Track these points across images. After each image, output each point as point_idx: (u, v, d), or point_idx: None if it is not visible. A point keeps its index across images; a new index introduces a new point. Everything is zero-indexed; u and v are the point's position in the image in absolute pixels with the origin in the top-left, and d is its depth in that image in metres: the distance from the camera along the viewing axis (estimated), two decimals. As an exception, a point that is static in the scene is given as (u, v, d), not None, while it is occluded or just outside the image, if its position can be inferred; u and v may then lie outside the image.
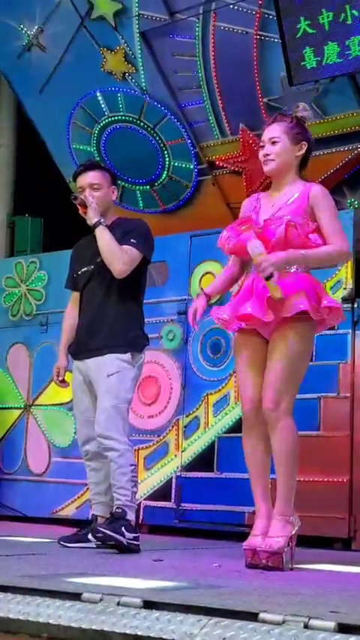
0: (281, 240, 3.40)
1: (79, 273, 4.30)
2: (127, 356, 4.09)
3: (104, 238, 4.10)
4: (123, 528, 3.84)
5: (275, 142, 3.59)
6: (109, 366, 4.07)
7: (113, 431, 3.99)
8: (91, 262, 4.22)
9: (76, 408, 4.31)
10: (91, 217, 4.15)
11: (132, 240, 4.12)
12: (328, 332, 4.61)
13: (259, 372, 3.47)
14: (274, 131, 3.60)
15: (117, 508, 3.93)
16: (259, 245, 3.37)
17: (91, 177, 4.25)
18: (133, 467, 4.01)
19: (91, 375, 4.14)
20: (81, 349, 4.22)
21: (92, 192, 4.21)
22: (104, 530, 3.81)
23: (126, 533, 3.83)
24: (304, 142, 3.60)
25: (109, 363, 4.07)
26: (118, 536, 3.79)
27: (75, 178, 4.34)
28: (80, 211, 4.22)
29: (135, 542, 3.87)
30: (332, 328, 4.63)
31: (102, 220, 4.13)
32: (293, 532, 3.38)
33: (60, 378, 4.39)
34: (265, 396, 3.41)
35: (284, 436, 3.39)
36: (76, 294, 4.37)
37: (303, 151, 3.60)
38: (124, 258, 4.10)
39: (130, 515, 3.92)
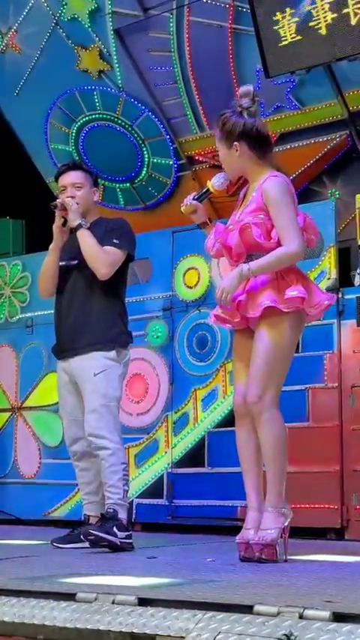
0: (240, 245, 3.47)
1: (61, 264, 4.26)
2: (113, 353, 4.08)
3: (86, 242, 4.08)
4: (115, 528, 3.83)
5: (219, 151, 3.63)
6: (94, 364, 4.05)
7: (104, 430, 3.99)
8: (76, 257, 4.19)
9: (62, 409, 4.29)
10: (72, 220, 4.12)
11: (114, 241, 4.11)
12: (313, 323, 4.62)
13: (249, 366, 3.49)
14: (216, 141, 3.64)
15: (108, 508, 3.92)
16: (220, 180, 3.65)
17: (73, 176, 4.23)
18: (125, 465, 4.01)
19: (77, 375, 4.12)
20: (64, 348, 4.20)
21: (75, 190, 4.20)
22: (95, 533, 3.79)
23: (118, 533, 3.82)
24: (236, 143, 3.52)
25: (94, 361, 4.05)
26: (110, 537, 3.78)
27: (57, 178, 4.31)
28: (62, 215, 4.17)
29: (127, 541, 3.87)
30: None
31: (83, 223, 4.10)
32: (286, 523, 3.38)
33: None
34: (248, 390, 3.45)
35: (270, 428, 3.40)
36: None
37: (240, 150, 3.53)
38: (107, 261, 4.09)
39: (122, 514, 3.92)
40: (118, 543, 3.80)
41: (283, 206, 3.45)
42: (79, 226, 4.09)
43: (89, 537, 3.80)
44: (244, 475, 3.52)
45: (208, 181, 3.72)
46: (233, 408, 3.61)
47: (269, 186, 3.48)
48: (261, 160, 3.56)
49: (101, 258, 4.07)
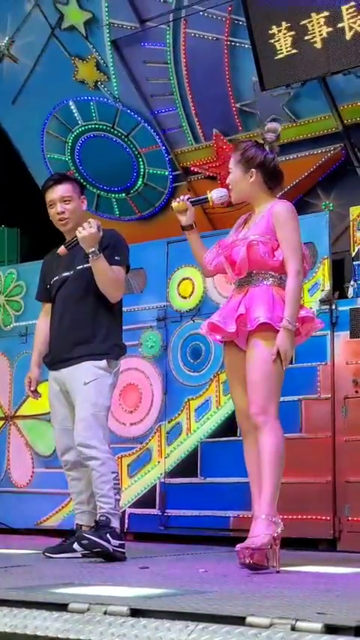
0: (244, 260, 3.62)
1: (52, 282, 4.28)
2: (103, 363, 4.08)
3: (102, 269, 4.05)
4: (108, 535, 3.82)
5: (229, 173, 3.77)
6: (85, 373, 4.05)
7: (93, 439, 3.98)
8: (69, 269, 4.19)
9: (54, 418, 4.28)
10: (86, 248, 4.03)
11: (116, 258, 4.12)
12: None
13: (243, 382, 3.61)
14: (230, 162, 3.78)
15: (101, 516, 3.91)
16: (221, 194, 3.78)
17: (61, 190, 4.24)
18: (116, 474, 4.00)
19: (68, 384, 4.12)
20: (57, 359, 4.20)
21: (64, 205, 4.21)
22: (90, 537, 3.79)
23: (112, 540, 3.81)
24: (253, 170, 3.68)
25: (85, 370, 4.05)
26: (104, 543, 3.77)
27: (44, 192, 4.29)
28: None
29: (121, 550, 3.86)
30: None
31: (94, 250, 4.01)
32: (278, 531, 3.40)
33: (32, 389, 4.37)
34: (250, 404, 3.55)
35: (270, 437, 3.49)
36: (47, 306, 4.35)
37: (254, 177, 3.69)
38: (119, 284, 4.14)
39: (115, 523, 3.91)
40: (111, 550, 3.80)
41: (290, 231, 3.63)
42: (93, 254, 4.01)
43: (83, 542, 3.80)
44: (250, 485, 3.64)
45: (209, 191, 3.84)
46: (238, 426, 3.79)
47: (280, 209, 3.67)
48: (270, 191, 3.75)
49: (115, 284, 4.11)
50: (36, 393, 4.38)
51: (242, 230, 3.77)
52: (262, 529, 3.38)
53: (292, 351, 3.56)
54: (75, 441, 4.02)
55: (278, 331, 3.51)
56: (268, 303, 3.55)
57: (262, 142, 3.75)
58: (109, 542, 3.80)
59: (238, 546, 3.42)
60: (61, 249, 4.12)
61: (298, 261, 3.59)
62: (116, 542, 3.83)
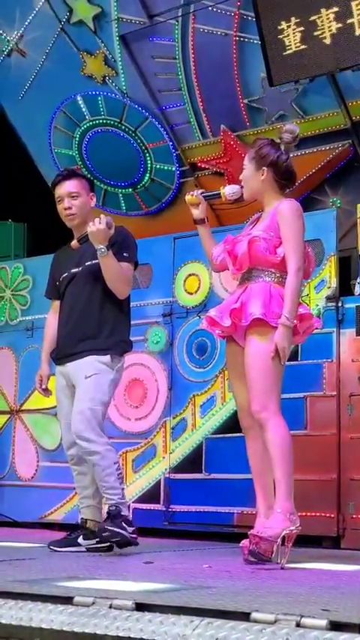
0: (245, 255, 3.64)
1: (61, 279, 4.30)
2: (107, 358, 4.09)
3: (110, 265, 4.07)
4: (123, 523, 3.90)
5: (243, 169, 3.80)
6: (87, 367, 4.08)
7: (92, 433, 4.00)
8: (78, 265, 4.22)
9: (60, 413, 4.32)
10: (95, 244, 4.06)
11: (124, 254, 4.14)
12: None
13: (243, 378, 3.64)
14: (245, 159, 3.81)
15: (111, 507, 3.96)
16: (233, 190, 3.81)
17: (69, 186, 4.25)
18: (117, 464, 4.04)
19: (72, 378, 4.16)
20: (62, 354, 4.22)
21: (71, 200, 4.23)
22: (110, 528, 3.86)
23: (127, 528, 3.90)
24: (264, 168, 3.70)
25: (87, 364, 4.08)
26: (122, 532, 3.87)
27: (53, 188, 4.33)
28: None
29: (134, 536, 3.94)
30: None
31: (102, 247, 4.02)
32: (291, 529, 3.39)
33: (43, 387, 4.38)
34: (251, 402, 3.56)
35: (276, 431, 3.50)
36: (56, 304, 4.37)
37: (265, 176, 3.71)
38: (128, 280, 4.16)
39: (125, 511, 3.99)
40: (129, 538, 3.89)
41: (292, 229, 3.62)
42: (102, 251, 4.02)
43: (104, 534, 3.88)
44: (254, 482, 3.67)
45: (222, 187, 3.88)
46: (239, 422, 3.76)
47: (285, 207, 3.66)
48: (280, 191, 3.76)
49: (122, 281, 4.13)
50: (47, 391, 4.39)
51: (251, 228, 3.79)
52: (276, 522, 3.40)
53: (290, 347, 3.56)
54: (73, 432, 4.06)
55: (274, 327, 3.51)
56: (265, 299, 3.56)
57: (278, 141, 3.75)
58: (125, 530, 3.89)
59: (250, 532, 3.43)
60: (74, 243, 4.18)
61: (300, 258, 3.59)
62: (130, 529, 3.93)
